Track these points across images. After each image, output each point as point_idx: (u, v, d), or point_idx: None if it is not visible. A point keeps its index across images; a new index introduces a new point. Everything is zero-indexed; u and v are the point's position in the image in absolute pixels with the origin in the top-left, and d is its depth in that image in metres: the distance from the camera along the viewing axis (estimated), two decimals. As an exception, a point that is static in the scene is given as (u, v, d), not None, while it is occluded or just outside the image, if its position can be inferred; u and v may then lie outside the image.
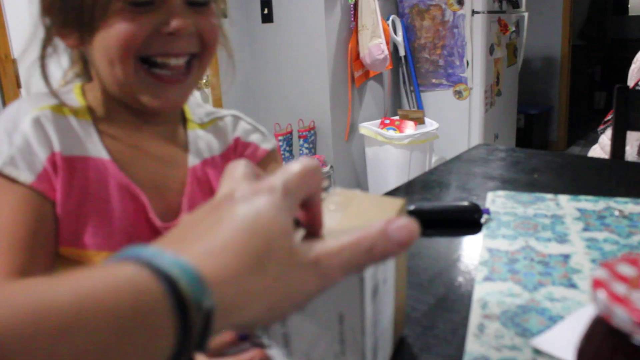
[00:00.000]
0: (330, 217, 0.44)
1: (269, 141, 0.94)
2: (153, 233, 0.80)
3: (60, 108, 0.78)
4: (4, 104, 2.42)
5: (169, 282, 0.29)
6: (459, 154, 1.43)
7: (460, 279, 0.74)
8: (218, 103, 3.33)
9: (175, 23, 0.72)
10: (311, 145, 3.35)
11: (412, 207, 0.95)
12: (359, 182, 3.62)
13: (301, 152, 3.32)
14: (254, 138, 0.93)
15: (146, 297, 0.28)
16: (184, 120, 0.90)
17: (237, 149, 0.92)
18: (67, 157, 0.76)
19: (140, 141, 0.82)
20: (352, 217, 0.45)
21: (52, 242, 0.75)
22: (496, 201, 1.01)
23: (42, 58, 0.77)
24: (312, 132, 3.34)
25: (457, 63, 3.63)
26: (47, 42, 0.76)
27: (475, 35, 3.54)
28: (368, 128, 3.35)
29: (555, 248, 0.79)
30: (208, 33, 0.77)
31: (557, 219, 0.91)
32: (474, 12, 3.50)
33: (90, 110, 0.80)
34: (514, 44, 4.13)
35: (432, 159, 3.42)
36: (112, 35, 0.71)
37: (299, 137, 3.32)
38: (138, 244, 0.32)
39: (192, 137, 0.88)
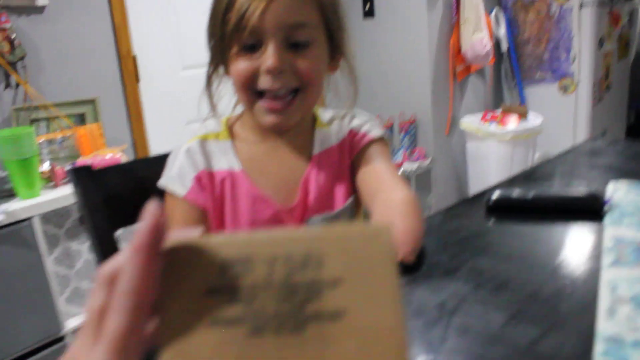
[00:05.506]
0: None
1: (377, 131, 1.06)
2: (274, 216, 0.98)
3: (206, 136, 1.02)
4: (126, 97, 2.60)
5: None
6: (568, 147, 1.41)
7: (586, 264, 0.75)
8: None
9: (268, 63, 0.87)
10: (412, 138, 3.37)
11: (530, 196, 0.97)
12: (459, 176, 3.60)
13: (402, 144, 3.35)
14: (365, 128, 1.06)
15: None
16: (315, 121, 1.07)
17: (349, 137, 1.05)
18: (210, 173, 0.99)
19: (269, 149, 1.01)
20: None
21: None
22: (618, 191, 1.00)
23: (209, 79, 0.98)
24: (412, 125, 3.36)
25: (563, 57, 3.52)
26: (211, 69, 0.97)
27: (583, 29, 3.42)
28: (469, 123, 3.32)
29: (683, 239, 0.79)
30: (304, 72, 0.90)
31: (684, 211, 0.89)
32: (582, 5, 3.38)
33: (230, 132, 1.03)
34: (626, 37, 3.95)
35: (535, 154, 3.34)
36: (233, 71, 0.92)
37: (400, 130, 3.35)
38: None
39: (317, 134, 1.05)
